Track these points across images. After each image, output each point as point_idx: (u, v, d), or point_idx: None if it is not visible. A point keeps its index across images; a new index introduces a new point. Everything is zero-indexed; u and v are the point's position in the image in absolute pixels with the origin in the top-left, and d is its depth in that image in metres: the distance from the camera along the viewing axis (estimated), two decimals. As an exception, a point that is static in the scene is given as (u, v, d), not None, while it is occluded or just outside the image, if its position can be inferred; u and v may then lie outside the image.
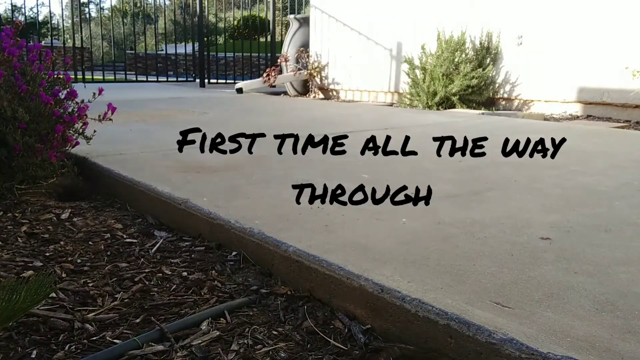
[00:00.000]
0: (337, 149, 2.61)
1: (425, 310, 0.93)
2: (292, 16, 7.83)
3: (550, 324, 0.87)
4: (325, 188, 1.76)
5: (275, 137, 2.92)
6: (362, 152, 2.53)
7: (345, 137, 3.04)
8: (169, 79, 9.16)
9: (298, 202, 1.60)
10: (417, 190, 1.77)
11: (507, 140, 2.90)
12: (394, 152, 2.55)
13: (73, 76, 7.06)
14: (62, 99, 2.02)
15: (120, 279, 1.26)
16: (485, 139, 3.00)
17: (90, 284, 1.22)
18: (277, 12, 9.09)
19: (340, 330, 1.03)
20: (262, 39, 11.98)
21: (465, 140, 2.92)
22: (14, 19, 8.69)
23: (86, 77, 7.96)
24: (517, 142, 2.83)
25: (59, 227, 1.62)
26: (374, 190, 1.74)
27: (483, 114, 4.80)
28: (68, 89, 2.05)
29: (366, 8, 6.53)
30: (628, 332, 0.85)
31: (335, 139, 2.91)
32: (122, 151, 2.38)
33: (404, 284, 1.01)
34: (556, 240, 1.29)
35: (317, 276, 1.13)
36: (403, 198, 1.67)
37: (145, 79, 9.35)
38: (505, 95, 5.39)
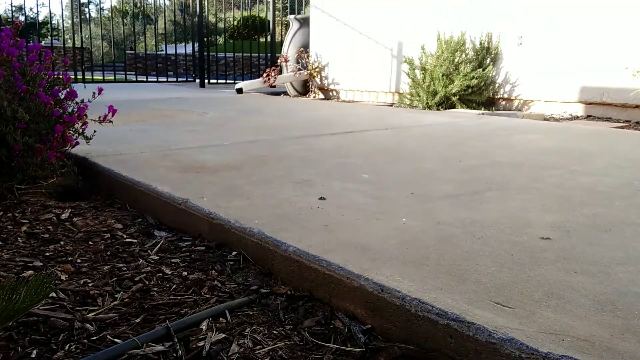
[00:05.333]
0: (337, 148, 2.61)
1: (425, 310, 0.93)
2: (292, 16, 7.83)
3: (550, 323, 0.87)
4: (325, 188, 1.76)
5: (275, 137, 2.93)
6: (362, 153, 2.53)
7: (345, 137, 3.04)
8: (169, 79, 9.16)
9: (298, 202, 1.60)
10: (417, 190, 1.77)
11: (507, 140, 2.90)
12: (394, 153, 2.55)
13: (73, 76, 7.06)
14: (62, 99, 2.02)
15: (120, 278, 1.26)
16: (485, 139, 3.00)
17: (90, 284, 1.22)
18: (277, 12, 9.09)
19: (340, 330, 1.03)
20: (262, 39, 11.99)
21: (466, 140, 2.92)
22: (14, 19, 8.69)
23: (86, 77, 7.96)
24: (517, 142, 2.83)
25: (59, 227, 1.62)
26: (376, 190, 1.74)
27: (483, 114, 4.80)
28: (68, 89, 2.05)
29: (366, 8, 6.53)
30: (628, 332, 0.85)
31: (334, 139, 2.91)
32: (122, 151, 2.38)
33: (404, 283, 1.01)
34: (556, 240, 1.29)
35: (317, 276, 1.13)
36: (404, 197, 1.67)
37: (145, 79, 9.34)
38: (505, 96, 5.40)
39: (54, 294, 1.15)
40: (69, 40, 14.05)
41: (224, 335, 1.00)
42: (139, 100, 5.44)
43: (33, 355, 0.93)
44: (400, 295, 0.97)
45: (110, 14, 19.93)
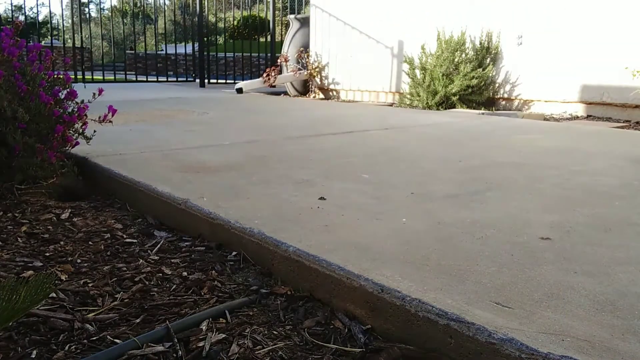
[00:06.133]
0: (337, 148, 2.61)
1: (425, 310, 0.92)
2: (292, 16, 7.83)
3: (550, 324, 0.87)
4: (325, 188, 1.76)
5: (275, 137, 2.92)
6: (362, 153, 2.53)
7: (345, 137, 3.04)
8: (169, 79, 9.16)
9: (298, 202, 1.60)
10: (418, 190, 1.77)
11: (507, 140, 2.90)
12: (394, 153, 2.55)
13: (73, 76, 7.06)
14: (62, 99, 2.02)
15: (120, 279, 1.26)
16: (485, 138, 3.00)
17: (90, 284, 1.22)
18: (277, 12, 9.09)
19: (340, 330, 1.03)
20: (262, 39, 11.98)
21: (466, 140, 2.92)
22: (14, 18, 8.69)
23: (86, 77, 7.96)
24: (518, 142, 2.83)
25: (59, 227, 1.62)
26: (375, 190, 1.74)
27: (483, 114, 4.80)
28: (68, 89, 2.04)
29: (367, 7, 6.53)
30: (628, 332, 0.85)
31: (335, 139, 2.91)
32: (122, 151, 2.38)
33: (404, 284, 1.01)
34: (556, 240, 1.29)
35: (317, 276, 1.13)
36: (403, 197, 1.67)
37: (145, 79, 9.35)
38: (505, 95, 5.39)
39: (54, 294, 1.15)
40: (69, 40, 14.04)
41: (224, 336, 1.00)
42: (139, 100, 5.44)
43: (33, 356, 0.93)
44: (400, 296, 0.97)
45: (110, 14, 19.93)
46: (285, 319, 1.08)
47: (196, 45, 8.99)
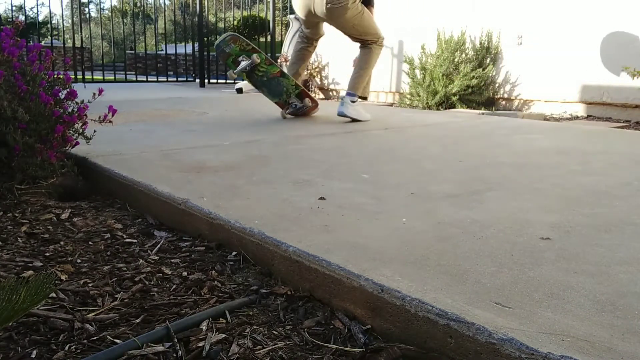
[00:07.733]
0: (337, 148, 2.61)
1: (425, 310, 0.93)
2: (292, 16, 7.83)
3: (550, 324, 0.87)
4: (325, 188, 1.76)
5: (275, 137, 2.92)
6: (362, 153, 2.53)
7: (346, 137, 3.04)
8: (169, 79, 9.15)
9: (298, 202, 1.60)
10: (417, 190, 1.77)
11: (507, 140, 2.90)
12: (394, 152, 2.55)
13: (73, 76, 7.06)
14: (62, 99, 2.02)
15: (120, 279, 1.26)
16: (485, 138, 3.00)
17: (90, 284, 1.22)
18: (277, 12, 9.09)
19: (340, 330, 1.03)
20: (262, 39, 11.98)
21: (466, 140, 2.92)
22: (14, 18, 8.69)
23: (86, 77, 7.95)
24: (517, 142, 2.83)
25: (59, 227, 1.62)
26: (374, 190, 1.74)
27: (483, 113, 4.80)
28: (68, 89, 2.04)
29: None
30: (628, 332, 0.85)
31: (335, 139, 2.91)
32: (122, 151, 2.38)
33: (404, 284, 1.01)
34: (556, 240, 1.29)
35: (317, 276, 1.13)
36: (404, 198, 1.67)
37: (145, 79, 9.34)
38: (505, 95, 5.39)
39: (54, 294, 1.15)
40: (69, 40, 14.05)
41: (224, 336, 1.00)
42: (139, 100, 5.44)
43: (33, 356, 0.94)
44: (400, 296, 0.97)
45: (110, 14, 19.94)
46: (285, 319, 1.08)
47: (196, 45, 8.98)
